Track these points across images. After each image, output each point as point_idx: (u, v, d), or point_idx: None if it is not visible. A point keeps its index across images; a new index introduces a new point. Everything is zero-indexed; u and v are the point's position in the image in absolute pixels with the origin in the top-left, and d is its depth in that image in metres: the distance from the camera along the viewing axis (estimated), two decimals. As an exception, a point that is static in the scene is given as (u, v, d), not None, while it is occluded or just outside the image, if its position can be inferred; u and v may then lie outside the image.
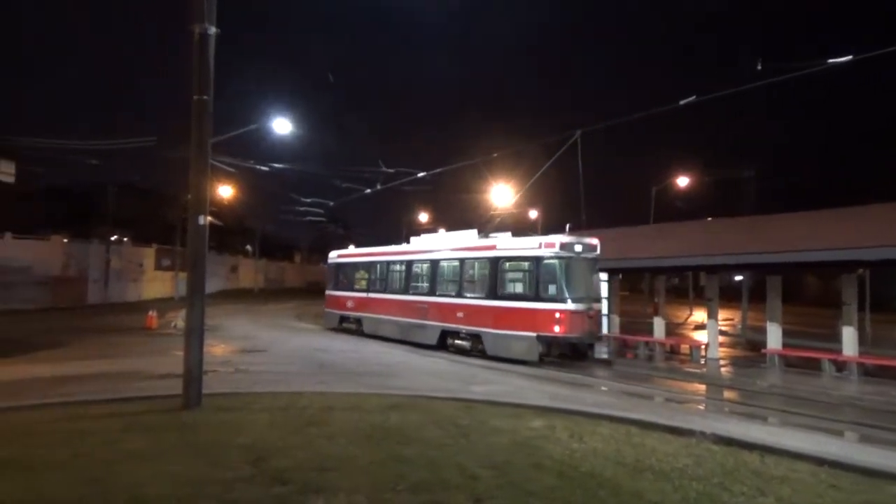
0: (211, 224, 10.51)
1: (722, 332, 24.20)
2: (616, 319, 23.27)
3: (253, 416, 8.93)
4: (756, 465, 7.22)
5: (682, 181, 35.26)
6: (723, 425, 9.09)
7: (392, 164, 25.62)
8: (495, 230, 20.77)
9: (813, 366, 16.81)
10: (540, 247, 17.16)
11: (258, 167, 24.98)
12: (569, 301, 16.50)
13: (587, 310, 16.71)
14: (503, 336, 17.61)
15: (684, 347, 20.32)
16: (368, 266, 24.64)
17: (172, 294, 47.98)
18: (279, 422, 8.58)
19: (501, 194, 32.86)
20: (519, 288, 17.62)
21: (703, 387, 14.89)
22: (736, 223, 19.06)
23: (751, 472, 6.95)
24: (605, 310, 23.62)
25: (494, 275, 18.10)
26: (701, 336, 23.36)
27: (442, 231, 22.92)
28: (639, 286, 56.08)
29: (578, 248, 17.32)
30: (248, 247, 74.87)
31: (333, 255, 27.70)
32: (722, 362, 18.38)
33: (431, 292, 20.54)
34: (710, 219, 22.09)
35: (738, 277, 37.46)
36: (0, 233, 35.05)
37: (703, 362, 18.27)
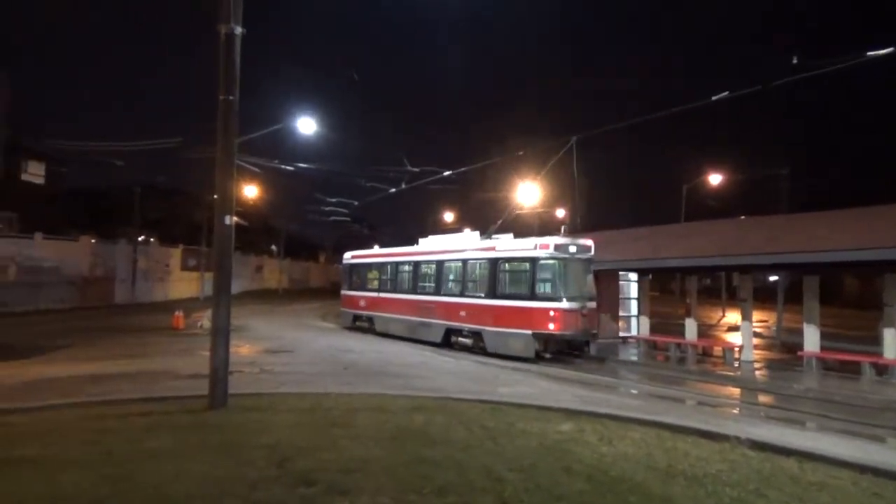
0: (236, 224, 10.57)
1: (756, 334, 23.98)
2: (646, 321, 23.09)
3: (278, 416, 8.93)
4: (794, 472, 7.04)
5: (714, 179, 34.77)
6: (758, 430, 8.95)
7: (417, 163, 25.72)
8: (499, 231, 21.24)
9: (852, 369, 16.42)
10: (535, 248, 18.22)
11: (283, 167, 25.18)
12: (563, 300, 17.59)
13: (581, 308, 17.69)
14: (502, 333, 18.64)
15: (717, 349, 20.01)
16: (379, 267, 25.71)
17: (198, 294, 48.33)
18: (304, 423, 8.59)
19: (527, 193, 32.74)
20: (516, 287, 18.75)
21: (736, 390, 14.71)
22: (770, 221, 18.85)
23: (788, 478, 6.78)
24: (633, 311, 23.70)
25: (494, 275, 19.17)
26: (734, 338, 23.19)
27: (467, 230, 23.28)
28: (670, 286, 55.41)
29: (573, 249, 18.35)
30: (273, 247, 75.11)
31: (347, 256, 28.66)
32: (756, 365, 18.15)
33: (437, 292, 21.62)
34: (743, 217, 21.73)
35: (773, 278, 36.85)
36: (30, 233, 36.56)
37: (736, 365, 18.05)
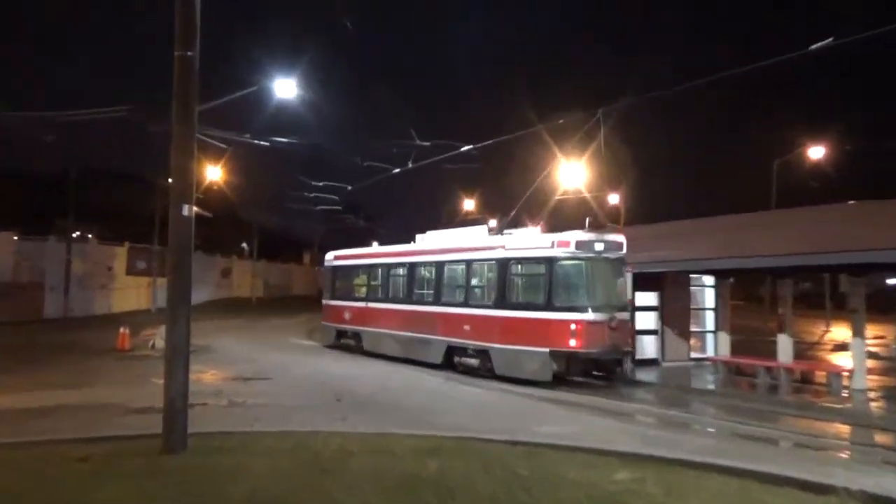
0: (198, 216, 10.56)
1: (871, 355, 23.48)
2: (726, 338, 22.76)
3: (252, 460, 8.95)
4: (921, 534, 7.49)
5: (815, 153, 33.59)
6: (875, 480, 8.81)
7: (428, 136, 25.17)
8: (511, 225, 21.79)
9: None
10: (553, 246, 18.68)
11: (257, 143, 25.07)
12: (587, 310, 18.03)
13: (609, 320, 18.10)
14: (512, 352, 19.13)
15: (820, 375, 19.64)
16: (367, 270, 26.53)
17: (149, 305, 47.75)
18: (285, 469, 8.60)
19: (569, 174, 32.25)
20: (530, 295, 19.34)
21: (846, 428, 14.48)
22: (892, 207, 17.91)
23: (914, 543, 7.17)
24: (709, 325, 23.62)
25: (503, 280, 19.70)
26: (843, 360, 22.89)
27: (491, 221, 23.72)
28: (757, 292, 54.54)
29: (599, 246, 18.73)
30: (245, 245, 73.89)
31: (329, 257, 29.25)
32: (872, 395, 17.78)
33: (436, 301, 22.21)
34: (852, 202, 21.30)
35: (894, 281, 35.97)
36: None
37: (845, 395, 17.65)
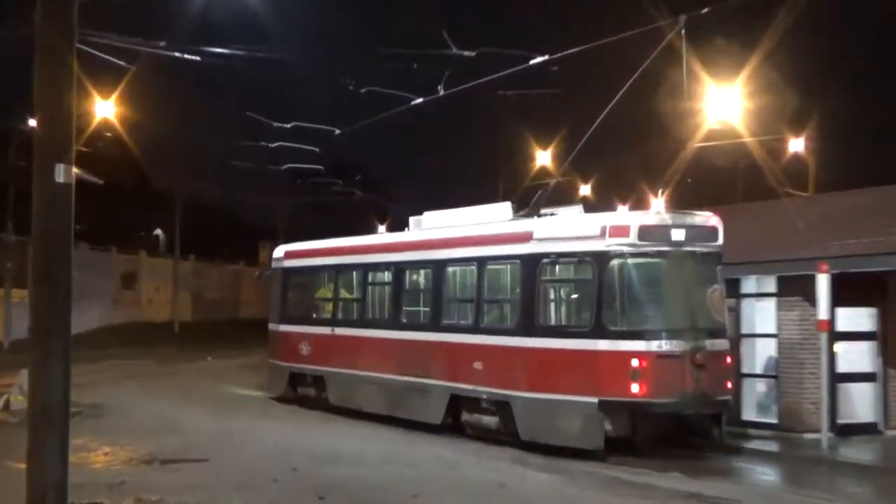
0: (82, 184, 10.30)
1: None
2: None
3: None
4: None
5: None
6: None
7: (472, 42, 22.31)
8: (553, 204, 21.71)
9: None
10: (602, 234, 18.10)
11: (181, 56, 23.21)
12: (658, 337, 17.81)
13: (693, 351, 17.56)
14: (543, 403, 18.78)
15: None
16: (333, 276, 26.95)
17: (1, 337, 47.50)
18: None
19: (719, 100, 31.23)
20: (567, 313, 19.78)
21: None
22: None
23: None
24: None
25: (530, 288, 19.46)
26: None
27: (504, 204, 22.68)
28: None
29: (678, 234, 18.31)
30: (160, 233, 69.34)
31: (279, 255, 29.47)
32: None
33: (433, 325, 22.23)
34: None
35: None
36: None
37: None
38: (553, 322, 19.23)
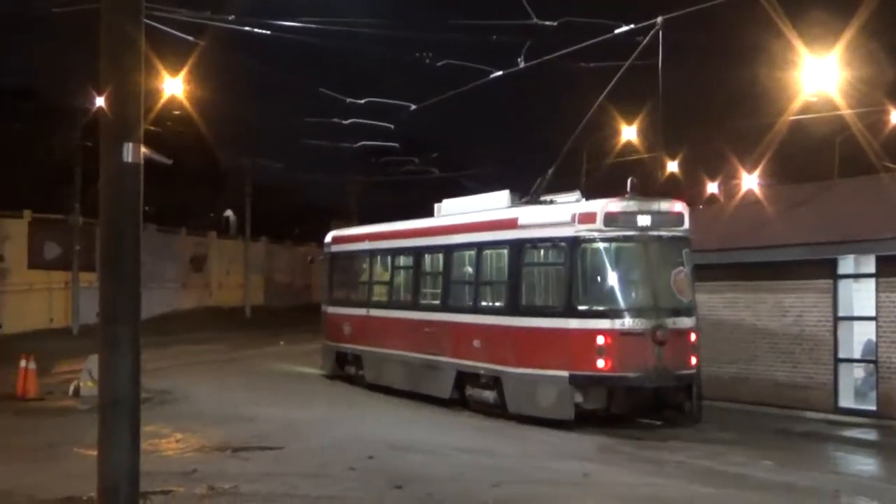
0: (150, 164, 10.35)
1: None
2: None
3: None
4: None
5: None
6: None
7: (556, 12, 22.17)
8: (553, 192, 23.06)
9: None
10: (573, 220, 20.25)
11: (250, 31, 23.99)
12: (621, 315, 19.88)
13: (655, 329, 19.47)
14: (527, 378, 20.89)
15: None
16: (367, 260, 29.40)
17: (67, 321, 47.87)
18: None
19: (816, 70, 30.19)
20: (544, 294, 21.25)
21: None
22: None
23: None
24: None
25: (514, 271, 21.69)
26: None
27: (503, 192, 25.27)
28: None
29: (643, 220, 20.22)
30: (230, 214, 74.38)
31: (328, 239, 31.73)
32: None
33: (442, 306, 24.53)
34: None
35: None
36: None
37: None
38: (534, 303, 21.20)
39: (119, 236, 8.88)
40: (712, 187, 67.50)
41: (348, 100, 30.97)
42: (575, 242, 20.05)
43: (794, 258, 22.72)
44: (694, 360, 20.45)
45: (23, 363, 24.62)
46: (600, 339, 19.32)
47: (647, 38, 21.95)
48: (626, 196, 20.79)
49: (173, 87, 34.10)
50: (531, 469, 16.89)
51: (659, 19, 21.83)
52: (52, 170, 46.46)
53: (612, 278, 20.25)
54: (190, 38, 23.10)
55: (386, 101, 31.74)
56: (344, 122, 33.42)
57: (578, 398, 19.74)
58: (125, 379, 8.78)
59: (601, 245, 20.14)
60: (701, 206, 59.57)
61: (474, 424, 22.30)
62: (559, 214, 20.67)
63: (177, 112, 36.94)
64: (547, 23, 21.35)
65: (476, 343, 22.47)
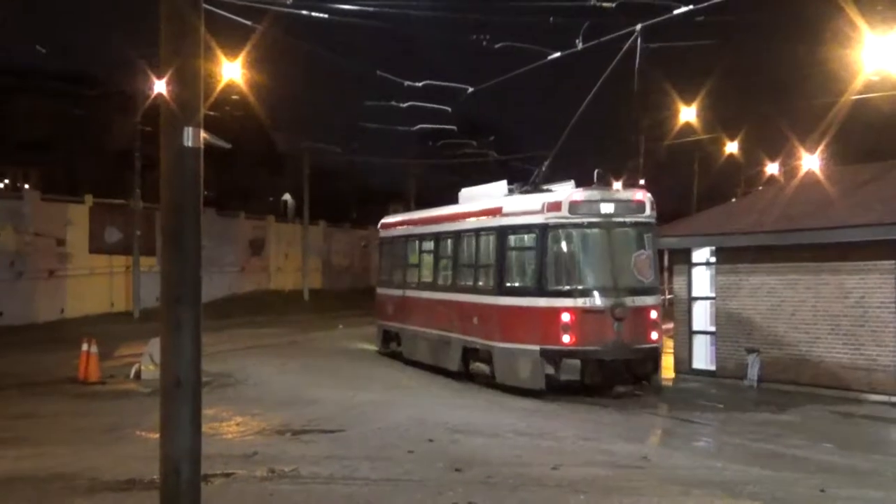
0: (210, 149, 10.47)
1: None
2: None
3: None
4: None
5: None
6: None
7: None
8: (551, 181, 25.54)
9: None
10: (543, 209, 22.90)
11: (307, 14, 23.99)
12: (584, 294, 22.43)
13: (614, 307, 22.00)
14: (509, 352, 23.39)
15: None
16: (405, 244, 31.69)
17: (129, 305, 48.21)
18: None
19: (877, 49, 29.73)
20: (521, 275, 23.76)
21: None
22: None
23: None
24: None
25: (499, 255, 24.39)
26: None
27: (501, 183, 28.39)
28: None
29: (606, 208, 22.79)
30: (288, 197, 70.71)
31: (532, 205, 30.68)
32: None
33: (452, 287, 27.24)
34: None
35: None
36: None
37: None
38: (514, 284, 23.96)
39: (180, 220, 8.92)
40: (772, 168, 67.08)
41: (406, 83, 30.75)
42: (544, 229, 22.92)
43: (857, 239, 22.56)
44: (655, 336, 22.95)
45: (85, 347, 24.96)
46: (565, 316, 22.18)
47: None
48: (592, 186, 23.75)
49: (232, 71, 34.44)
50: (590, 451, 17.02)
51: (638, 26, 24.01)
52: (113, 155, 46.97)
53: (576, 261, 23.13)
54: (248, 22, 23.03)
55: (444, 83, 31.49)
56: (402, 104, 33.17)
57: (549, 370, 22.25)
58: (187, 361, 8.83)
59: (566, 231, 22.91)
60: (760, 188, 59.22)
61: (529, 407, 22.43)
62: (532, 204, 23.48)
63: (235, 96, 37.28)
64: (605, 4, 21.13)
65: (475, 321, 25.17)
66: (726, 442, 18.15)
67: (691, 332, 27.61)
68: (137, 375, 23.79)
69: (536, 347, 22.32)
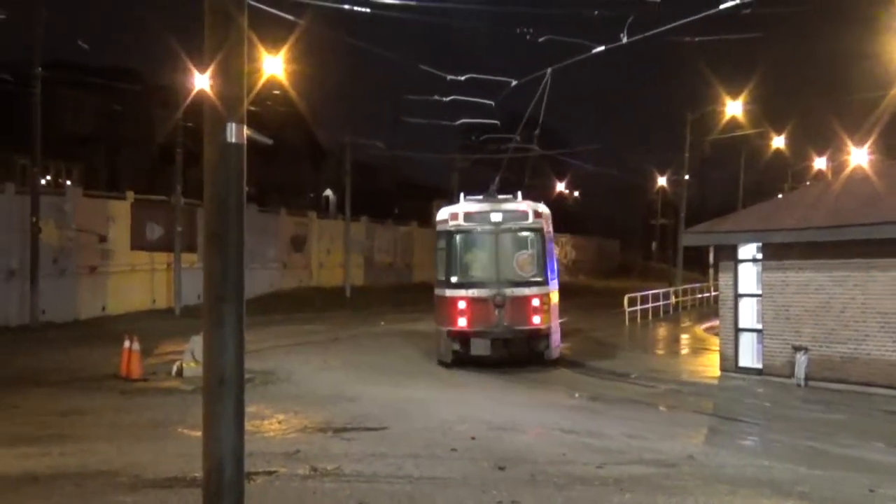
0: (252, 145, 10.49)
1: None
2: None
3: None
4: None
5: None
6: None
7: None
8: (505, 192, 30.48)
9: None
10: (449, 218, 28.92)
11: (348, 8, 23.80)
12: (473, 286, 28.64)
13: (494, 297, 27.83)
14: (438, 333, 29.79)
15: None
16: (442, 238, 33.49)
17: (170, 302, 48.16)
18: None
19: None
20: (440, 272, 29.88)
21: None
22: None
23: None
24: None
25: (437, 255, 30.25)
26: None
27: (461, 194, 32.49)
28: None
29: (496, 217, 28.66)
30: (330, 193, 70.26)
31: (443, 216, 31.51)
32: None
33: (436, 282, 31.32)
34: None
35: None
36: None
37: None
38: (440, 277, 29.66)
39: (224, 217, 8.98)
40: (820, 163, 66.77)
41: (449, 77, 30.50)
42: (449, 234, 29.08)
43: (909, 235, 20.85)
44: (537, 320, 28.48)
45: (126, 344, 24.96)
46: (461, 304, 28.14)
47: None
48: (482, 198, 29.90)
49: (274, 66, 34.50)
50: (635, 450, 17.00)
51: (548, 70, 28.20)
52: (154, 151, 47.13)
53: (469, 260, 29.26)
54: (290, 17, 23.03)
55: (487, 77, 31.33)
56: (444, 99, 33.00)
57: (456, 347, 28.19)
58: (230, 359, 8.89)
59: (462, 236, 29.07)
60: (808, 183, 59.03)
61: (573, 405, 22.80)
62: (446, 214, 29.47)
63: (277, 92, 37.31)
64: None
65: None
66: (774, 440, 18.04)
67: (737, 330, 27.34)
68: (179, 372, 23.92)
69: (446, 329, 28.57)
